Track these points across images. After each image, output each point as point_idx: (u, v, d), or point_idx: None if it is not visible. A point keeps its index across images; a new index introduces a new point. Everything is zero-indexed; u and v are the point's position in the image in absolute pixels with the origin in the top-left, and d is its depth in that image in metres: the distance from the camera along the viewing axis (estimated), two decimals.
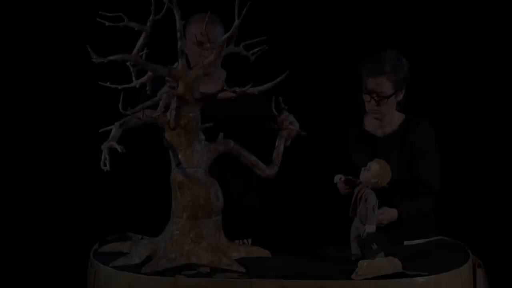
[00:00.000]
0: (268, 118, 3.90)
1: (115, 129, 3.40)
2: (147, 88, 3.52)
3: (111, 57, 3.35)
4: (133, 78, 3.46)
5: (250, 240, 4.15)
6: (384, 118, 4.12)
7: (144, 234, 3.90)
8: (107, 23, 3.34)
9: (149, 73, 3.48)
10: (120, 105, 3.40)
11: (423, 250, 3.77)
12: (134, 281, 3.38)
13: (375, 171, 3.64)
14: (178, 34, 3.50)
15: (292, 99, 5.09)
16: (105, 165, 3.28)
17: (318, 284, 3.29)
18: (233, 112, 3.99)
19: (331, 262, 3.60)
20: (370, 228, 3.57)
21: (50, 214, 5.33)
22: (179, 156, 3.58)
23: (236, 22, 3.46)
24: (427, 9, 5.35)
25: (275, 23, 3.54)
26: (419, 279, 3.31)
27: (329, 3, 5.37)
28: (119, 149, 3.27)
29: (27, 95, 5.31)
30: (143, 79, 3.48)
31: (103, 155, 3.29)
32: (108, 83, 3.44)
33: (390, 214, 3.92)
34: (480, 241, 5.28)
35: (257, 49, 3.56)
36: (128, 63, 3.39)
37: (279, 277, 3.34)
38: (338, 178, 3.79)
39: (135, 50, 3.39)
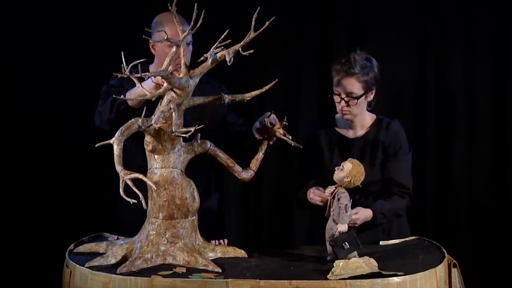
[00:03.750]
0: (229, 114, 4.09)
1: (117, 149, 3.30)
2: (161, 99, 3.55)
3: (149, 74, 3.36)
4: (145, 91, 3.46)
5: (226, 240, 4.16)
6: (355, 119, 4.12)
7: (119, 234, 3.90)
8: (150, 40, 3.46)
9: (166, 85, 3.47)
10: (148, 119, 3.44)
11: (399, 250, 3.79)
12: (109, 281, 3.37)
13: (348, 170, 3.66)
14: (187, 44, 3.64)
15: (268, 100, 5.09)
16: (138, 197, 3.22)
17: (294, 284, 3.30)
18: (202, 112, 4.02)
19: (307, 262, 3.61)
20: (342, 227, 3.58)
21: (26, 214, 5.30)
22: (156, 156, 3.57)
23: (252, 35, 3.50)
24: (403, 8, 5.38)
25: (250, 22, 3.57)
26: (395, 279, 3.32)
27: (305, 3, 5.39)
28: (153, 185, 3.38)
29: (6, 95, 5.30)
30: (161, 91, 3.48)
31: (122, 184, 3.24)
32: (122, 96, 3.51)
33: (364, 213, 3.93)
34: (455, 241, 5.32)
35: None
36: (132, 76, 3.38)
37: (255, 277, 3.34)
38: (311, 192, 3.87)
39: (166, 64, 3.43)
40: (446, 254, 3.62)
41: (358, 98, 4.03)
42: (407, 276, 3.34)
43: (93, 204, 5.26)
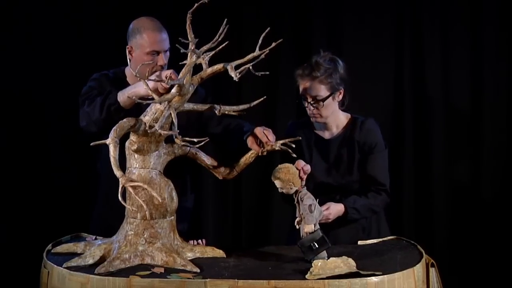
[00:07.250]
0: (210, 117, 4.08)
1: (114, 151, 3.21)
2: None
3: (173, 82, 3.40)
4: (153, 95, 3.46)
5: (204, 240, 4.15)
6: (328, 119, 4.12)
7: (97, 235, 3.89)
8: (182, 50, 3.38)
9: (174, 91, 3.48)
10: (157, 125, 3.40)
11: (377, 249, 3.79)
12: (87, 281, 3.35)
13: (281, 183, 3.65)
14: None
15: (246, 101, 5.10)
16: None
17: (272, 284, 3.30)
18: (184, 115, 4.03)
19: (286, 262, 3.61)
20: (308, 227, 3.60)
21: (3, 214, 5.27)
22: (137, 156, 3.56)
23: (257, 53, 3.53)
24: (380, 6, 5.41)
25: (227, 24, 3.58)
26: (373, 278, 3.33)
27: (283, 2, 5.40)
28: (157, 196, 3.29)
29: None
30: (168, 96, 3.47)
31: (121, 190, 3.18)
32: (135, 99, 3.45)
33: (336, 208, 3.95)
34: (433, 240, 5.34)
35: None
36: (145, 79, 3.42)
37: (234, 277, 3.34)
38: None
39: (185, 73, 3.44)
40: (424, 254, 3.63)
41: (324, 100, 4.04)
42: (385, 275, 3.35)
43: (71, 204, 5.24)
